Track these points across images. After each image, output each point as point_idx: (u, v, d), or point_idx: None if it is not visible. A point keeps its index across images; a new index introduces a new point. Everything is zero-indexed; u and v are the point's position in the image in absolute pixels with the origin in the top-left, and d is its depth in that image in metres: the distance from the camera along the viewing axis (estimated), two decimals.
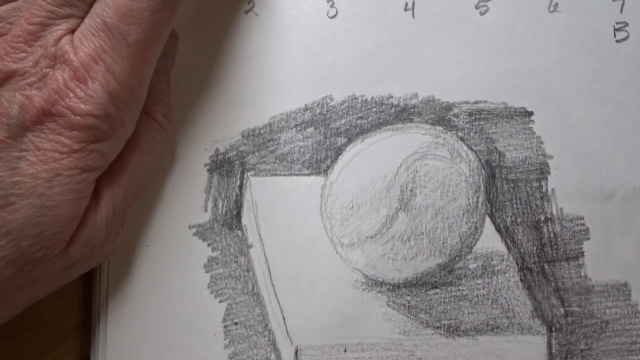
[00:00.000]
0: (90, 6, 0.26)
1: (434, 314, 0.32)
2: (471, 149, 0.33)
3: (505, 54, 0.33)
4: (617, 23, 0.33)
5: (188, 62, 0.33)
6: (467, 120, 0.33)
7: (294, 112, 0.33)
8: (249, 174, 0.33)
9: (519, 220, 0.33)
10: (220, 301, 0.32)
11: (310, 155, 0.33)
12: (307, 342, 0.32)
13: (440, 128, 0.33)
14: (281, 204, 0.33)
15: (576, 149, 0.33)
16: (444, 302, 0.32)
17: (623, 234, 0.32)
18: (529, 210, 0.33)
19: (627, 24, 0.33)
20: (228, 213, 0.33)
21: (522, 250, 0.32)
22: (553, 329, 0.32)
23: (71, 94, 0.25)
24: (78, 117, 0.25)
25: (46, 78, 0.25)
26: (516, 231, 0.33)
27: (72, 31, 0.26)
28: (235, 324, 0.32)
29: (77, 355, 0.33)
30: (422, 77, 0.33)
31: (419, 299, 0.32)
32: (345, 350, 0.32)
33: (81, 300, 0.33)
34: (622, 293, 0.32)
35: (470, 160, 0.33)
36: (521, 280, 0.32)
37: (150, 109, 0.30)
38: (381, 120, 0.33)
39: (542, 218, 0.33)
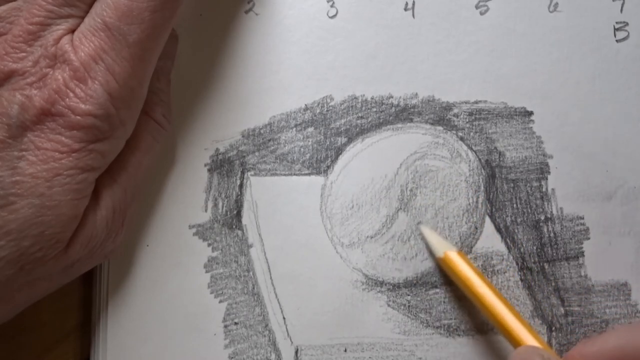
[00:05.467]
0: (90, 6, 0.26)
1: (434, 314, 0.32)
2: (471, 148, 0.33)
3: (505, 54, 0.33)
4: (617, 23, 0.33)
5: (188, 62, 0.33)
6: (467, 120, 0.33)
7: (294, 112, 0.33)
8: (249, 173, 0.33)
9: (519, 220, 0.33)
10: (221, 301, 0.32)
11: (311, 155, 0.33)
12: (307, 342, 0.32)
13: (440, 128, 0.33)
14: (281, 203, 0.33)
15: (576, 149, 0.33)
16: (444, 302, 0.32)
17: (623, 234, 0.32)
18: (529, 210, 0.33)
19: (627, 24, 0.33)
20: (228, 213, 0.33)
21: (522, 250, 0.32)
22: (553, 328, 0.32)
23: (71, 94, 0.25)
24: (78, 117, 0.25)
25: (46, 78, 0.25)
26: (516, 231, 0.33)
27: (72, 31, 0.26)
28: (236, 323, 0.32)
29: (77, 356, 0.33)
30: (422, 77, 0.33)
31: (419, 299, 0.32)
32: (345, 350, 0.32)
33: (81, 300, 0.33)
34: (622, 293, 0.32)
35: (470, 160, 0.33)
36: (521, 280, 0.32)
37: (150, 109, 0.30)
38: (381, 120, 0.33)
39: (542, 218, 0.33)
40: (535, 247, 0.32)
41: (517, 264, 0.32)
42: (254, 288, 0.32)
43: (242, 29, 0.33)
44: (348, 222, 0.32)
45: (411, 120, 0.33)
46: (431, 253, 0.32)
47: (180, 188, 0.32)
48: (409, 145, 0.33)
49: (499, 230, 0.33)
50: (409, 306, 0.32)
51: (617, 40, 0.33)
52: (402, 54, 0.33)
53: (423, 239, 0.32)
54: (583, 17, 0.33)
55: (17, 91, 0.25)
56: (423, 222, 0.32)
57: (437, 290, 0.32)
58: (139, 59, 0.26)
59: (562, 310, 0.32)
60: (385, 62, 0.33)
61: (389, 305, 0.32)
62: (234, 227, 0.32)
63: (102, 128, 0.26)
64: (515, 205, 0.33)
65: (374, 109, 0.33)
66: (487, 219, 0.33)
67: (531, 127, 0.33)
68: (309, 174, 0.33)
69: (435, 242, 0.32)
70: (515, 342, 0.29)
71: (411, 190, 0.33)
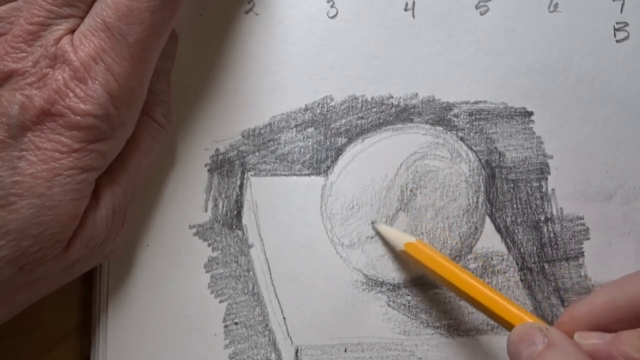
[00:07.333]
0: (91, 6, 0.26)
1: (434, 314, 0.32)
2: (471, 149, 0.33)
3: (505, 54, 0.33)
4: (617, 23, 0.33)
5: (188, 62, 0.33)
6: (467, 120, 0.33)
7: (294, 112, 0.33)
8: (249, 174, 0.33)
9: (519, 220, 0.33)
10: (221, 301, 0.32)
11: (311, 156, 0.33)
12: (307, 342, 0.32)
13: (440, 128, 0.33)
14: (281, 204, 0.33)
15: (576, 149, 0.33)
16: (444, 302, 0.32)
17: (623, 234, 0.32)
18: (529, 210, 0.33)
19: (627, 24, 0.33)
20: (228, 213, 0.33)
21: (522, 250, 0.32)
22: None
23: (71, 94, 0.25)
24: (78, 117, 0.25)
25: (46, 78, 0.25)
26: (516, 231, 0.33)
27: (72, 31, 0.26)
28: (236, 323, 0.32)
29: (77, 356, 0.33)
30: (422, 77, 0.33)
31: (419, 299, 0.32)
32: (345, 350, 0.32)
33: (81, 300, 0.33)
34: None
35: (470, 161, 0.33)
36: (521, 280, 0.32)
37: (150, 109, 0.30)
38: (381, 121, 0.33)
39: (542, 218, 0.33)
40: (535, 248, 0.32)
41: (517, 264, 0.32)
42: (254, 288, 0.32)
43: (242, 29, 0.33)
44: (348, 223, 0.32)
45: (411, 121, 0.33)
46: (392, 250, 0.32)
47: (180, 188, 0.32)
48: (409, 145, 0.33)
49: (499, 230, 0.33)
50: (409, 306, 0.32)
51: (617, 41, 0.33)
52: (402, 54, 0.33)
53: (380, 236, 0.32)
54: (583, 17, 0.33)
55: (17, 91, 0.25)
56: (376, 221, 0.32)
57: (437, 290, 0.32)
58: (139, 59, 0.26)
59: (562, 310, 0.32)
60: (385, 62, 0.33)
61: (389, 306, 0.32)
62: (234, 227, 0.32)
63: (102, 128, 0.26)
64: (515, 205, 0.33)
65: (374, 109, 0.33)
66: (487, 219, 0.33)
67: (531, 127, 0.33)
68: (309, 174, 0.33)
69: (393, 236, 0.32)
70: (507, 323, 0.28)
71: (411, 190, 0.33)
